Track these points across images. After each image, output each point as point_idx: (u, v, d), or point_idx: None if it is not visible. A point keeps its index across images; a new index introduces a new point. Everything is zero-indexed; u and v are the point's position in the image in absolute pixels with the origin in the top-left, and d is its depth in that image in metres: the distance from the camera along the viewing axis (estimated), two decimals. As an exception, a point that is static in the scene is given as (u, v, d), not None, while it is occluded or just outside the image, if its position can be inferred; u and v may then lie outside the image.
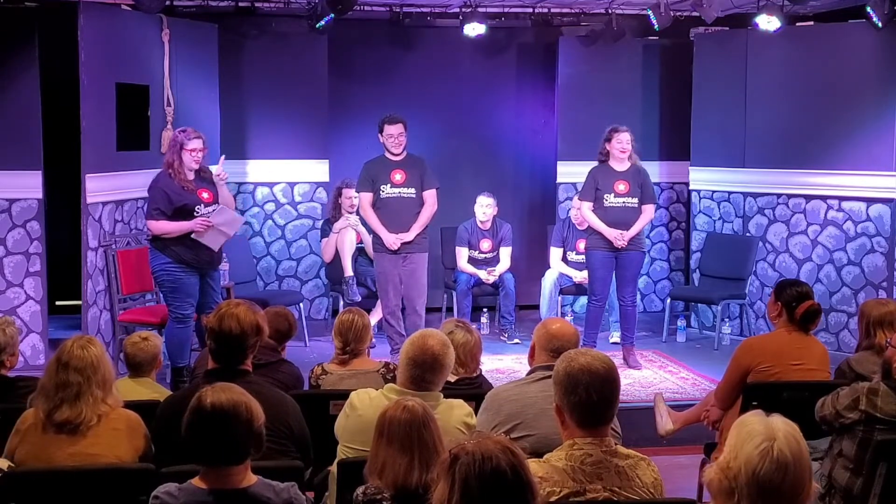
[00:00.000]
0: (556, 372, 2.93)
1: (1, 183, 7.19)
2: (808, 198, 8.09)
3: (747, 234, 8.47)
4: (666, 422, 4.94)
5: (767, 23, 7.80)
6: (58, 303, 8.24)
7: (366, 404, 3.52)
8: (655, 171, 9.30)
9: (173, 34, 7.68)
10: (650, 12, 8.16)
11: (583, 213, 7.31)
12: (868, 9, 7.37)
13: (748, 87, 8.37)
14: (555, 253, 8.36)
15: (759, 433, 2.21)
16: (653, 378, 7.09)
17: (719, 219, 8.73)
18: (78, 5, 6.72)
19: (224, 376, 3.40)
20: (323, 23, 8.14)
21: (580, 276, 8.10)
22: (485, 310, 8.60)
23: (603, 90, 8.98)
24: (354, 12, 7.90)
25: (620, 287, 7.39)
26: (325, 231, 8.30)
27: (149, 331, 5.04)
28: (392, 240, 7.04)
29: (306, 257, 8.98)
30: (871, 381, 3.87)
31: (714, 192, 8.76)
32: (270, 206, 8.89)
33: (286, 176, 8.91)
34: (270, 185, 8.88)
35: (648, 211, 7.28)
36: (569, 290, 8.34)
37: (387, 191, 7.11)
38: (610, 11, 8.82)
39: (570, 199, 8.78)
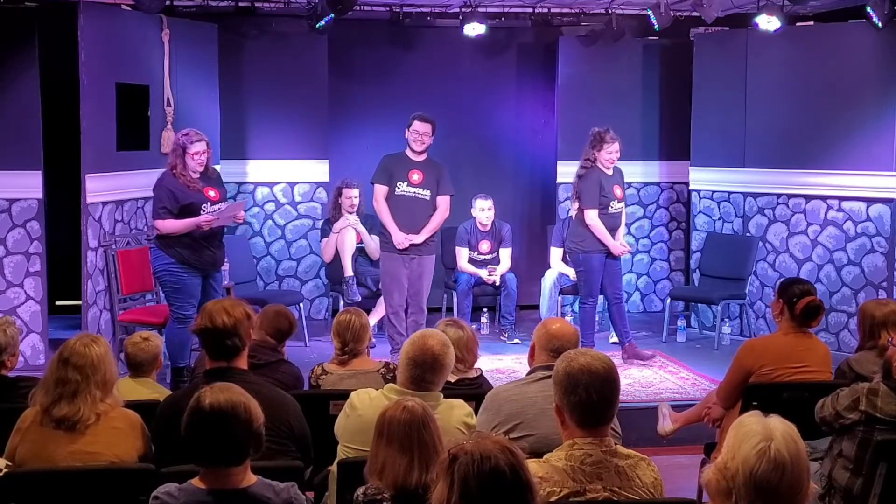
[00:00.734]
0: (555, 372, 2.93)
1: (1, 183, 7.19)
2: (808, 198, 8.09)
3: (747, 234, 8.47)
4: (666, 423, 4.95)
5: (767, 23, 7.80)
6: (58, 303, 8.24)
7: (366, 404, 3.52)
8: (655, 171, 9.32)
9: (173, 34, 7.68)
10: (650, 12, 8.16)
11: (592, 221, 7.23)
12: (868, 9, 7.37)
13: (748, 87, 8.36)
14: (555, 253, 8.36)
15: (756, 433, 2.21)
16: (653, 378, 7.09)
17: (719, 219, 8.73)
18: (78, 5, 6.72)
19: (224, 376, 3.40)
20: (323, 23, 8.14)
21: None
22: (485, 310, 8.60)
23: (603, 90, 8.98)
24: (354, 12, 7.90)
25: (611, 283, 7.41)
26: (325, 231, 8.30)
27: (149, 331, 5.05)
28: (401, 239, 6.98)
29: (306, 257, 8.98)
30: (871, 381, 3.87)
31: (714, 192, 8.76)
32: (270, 206, 8.89)
33: (286, 176, 8.91)
34: (270, 185, 8.88)
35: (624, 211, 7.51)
36: (569, 290, 8.34)
37: (402, 188, 7.06)
38: (610, 11, 8.82)
39: (571, 199, 8.77)
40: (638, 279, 9.41)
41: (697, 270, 8.74)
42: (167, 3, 7.54)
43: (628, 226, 8.88)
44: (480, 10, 8.43)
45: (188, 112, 7.73)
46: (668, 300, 8.59)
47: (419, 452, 2.84)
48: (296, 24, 8.72)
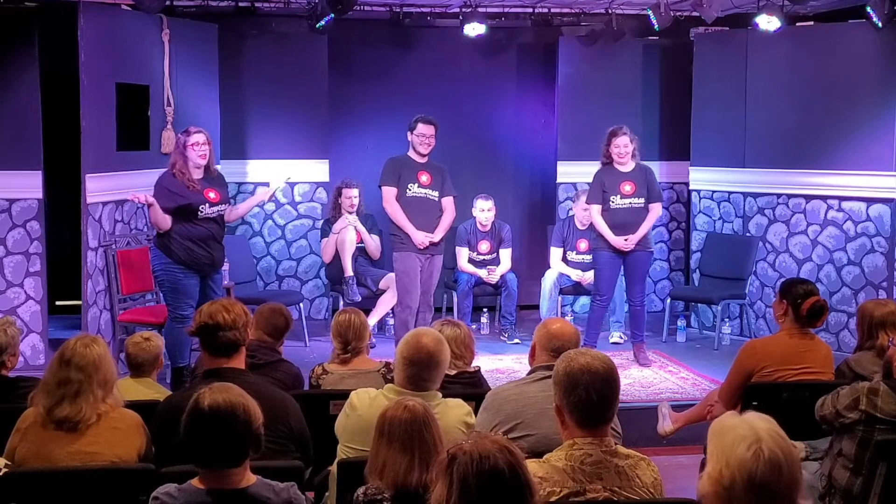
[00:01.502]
0: (555, 372, 2.93)
1: (1, 183, 7.19)
2: (808, 198, 8.09)
3: (747, 234, 8.47)
4: (666, 423, 4.94)
5: (767, 23, 7.80)
6: (58, 303, 8.24)
7: (365, 404, 3.52)
8: (655, 170, 9.24)
9: (173, 34, 7.68)
10: (650, 12, 8.15)
11: (591, 216, 7.29)
12: (868, 9, 7.37)
13: (748, 86, 8.37)
14: (555, 253, 8.36)
15: (743, 436, 2.20)
16: (653, 378, 7.09)
17: (719, 219, 8.73)
18: (78, 5, 6.72)
19: (223, 376, 3.40)
20: (323, 23, 8.14)
21: (580, 276, 8.11)
22: (485, 310, 8.60)
23: (603, 90, 8.98)
24: (354, 12, 7.90)
25: (629, 287, 7.42)
26: (325, 231, 8.29)
27: (150, 331, 5.05)
28: (422, 238, 7.02)
29: (306, 257, 8.98)
30: (871, 381, 3.87)
31: (714, 192, 8.76)
32: (270, 206, 8.87)
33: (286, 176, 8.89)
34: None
35: (655, 209, 7.30)
36: (569, 290, 8.34)
37: (414, 190, 7.09)
38: (610, 11, 8.82)
39: (571, 199, 8.78)
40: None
41: (697, 270, 8.74)
42: (167, 3, 7.54)
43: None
44: (480, 10, 8.42)
45: (188, 112, 7.73)
46: (668, 300, 8.59)
47: (420, 452, 2.84)
48: (296, 24, 8.72)
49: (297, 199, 8.95)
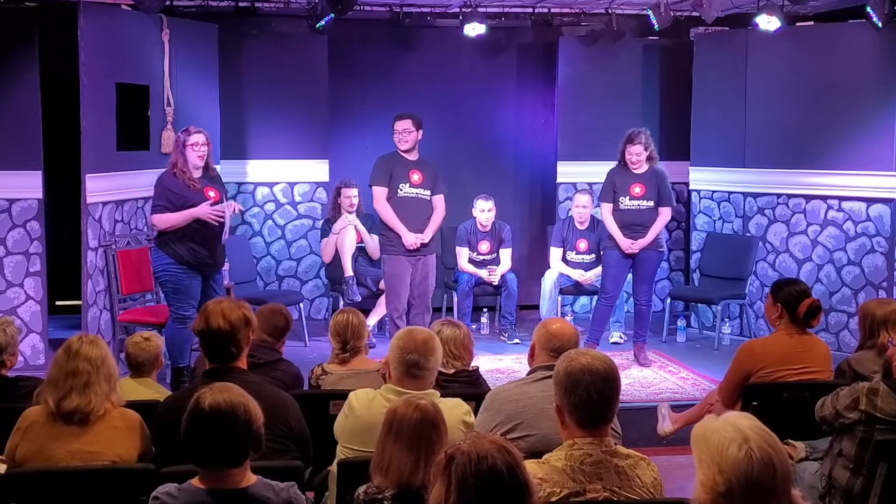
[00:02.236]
0: (556, 372, 2.93)
1: (1, 183, 7.19)
2: (808, 198, 8.09)
3: (747, 234, 8.47)
4: (666, 423, 4.94)
5: (767, 23, 7.80)
6: (58, 303, 8.24)
7: (364, 405, 3.52)
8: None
9: (173, 34, 7.68)
10: (650, 12, 8.15)
11: (602, 215, 7.34)
12: (868, 9, 7.37)
13: (748, 86, 8.36)
14: (555, 253, 8.36)
15: (731, 438, 2.19)
16: (653, 378, 7.09)
17: (719, 219, 8.73)
18: (78, 5, 6.72)
19: (223, 376, 3.40)
20: (323, 23, 8.14)
21: (581, 277, 8.11)
22: (485, 310, 8.60)
23: (603, 90, 8.98)
24: (354, 12, 7.90)
25: (636, 285, 7.43)
26: (325, 231, 8.29)
27: (150, 331, 5.05)
28: (412, 239, 6.97)
29: (306, 257, 8.98)
30: (871, 381, 3.87)
31: (714, 192, 8.76)
32: (270, 206, 8.88)
33: (286, 176, 8.91)
34: (270, 185, 8.88)
35: (664, 213, 7.32)
36: (569, 290, 8.33)
37: (405, 190, 7.03)
38: (610, 11, 8.81)
39: (571, 199, 8.77)
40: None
41: (697, 270, 8.74)
42: (167, 3, 7.54)
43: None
44: (480, 10, 8.42)
45: (188, 112, 7.73)
46: (668, 300, 8.59)
47: (426, 452, 2.83)
48: (296, 24, 8.72)
49: (297, 199, 8.95)
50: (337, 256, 8.06)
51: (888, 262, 7.62)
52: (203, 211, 6.22)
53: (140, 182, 7.25)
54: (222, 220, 6.30)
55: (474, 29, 8.32)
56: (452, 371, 4.28)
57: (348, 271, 7.92)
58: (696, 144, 8.78)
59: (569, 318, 7.62)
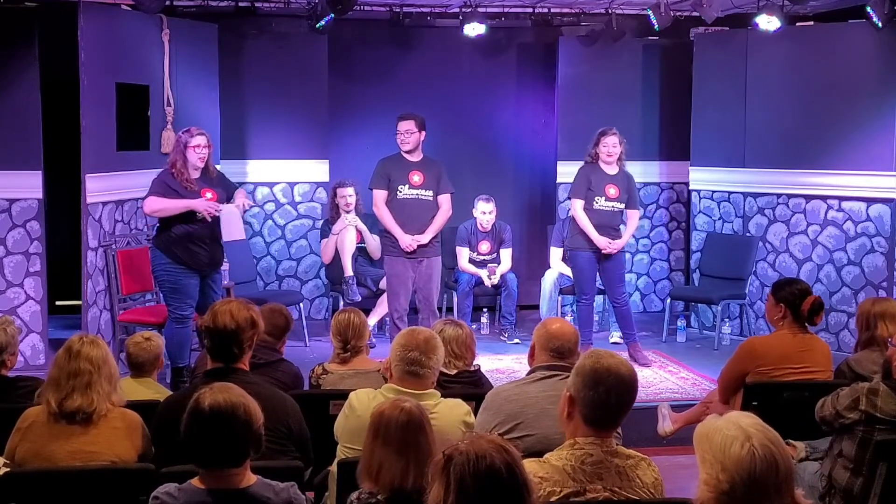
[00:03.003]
0: (580, 365, 2.92)
1: (1, 183, 7.19)
2: (808, 198, 8.09)
3: (747, 234, 8.47)
4: (667, 423, 4.94)
5: (767, 23, 7.80)
6: (58, 303, 8.24)
7: (364, 405, 3.52)
8: (655, 171, 9.31)
9: (173, 34, 7.68)
10: (650, 12, 8.15)
11: (575, 212, 7.30)
12: (868, 9, 7.37)
13: (748, 86, 8.36)
14: (555, 253, 8.36)
15: (734, 437, 2.19)
16: (653, 378, 7.09)
17: (719, 219, 8.73)
18: (78, 5, 6.72)
19: (223, 376, 3.40)
20: (323, 23, 8.14)
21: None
22: (485, 310, 8.60)
23: (603, 90, 8.98)
24: (354, 12, 7.90)
25: (610, 289, 7.45)
26: (325, 232, 8.29)
27: (150, 331, 5.05)
28: (408, 241, 6.94)
29: (306, 257, 8.98)
30: (871, 381, 3.87)
31: (714, 192, 8.76)
32: (270, 206, 8.88)
33: (286, 176, 8.91)
34: (270, 185, 8.88)
35: (635, 217, 7.41)
36: (569, 289, 8.32)
37: (405, 192, 7.01)
38: (610, 11, 8.82)
39: (570, 199, 8.77)
40: (638, 279, 9.40)
41: (697, 270, 8.74)
42: (167, 3, 7.54)
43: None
44: (480, 10, 8.42)
45: (188, 112, 7.73)
46: (668, 300, 8.59)
47: (415, 455, 2.83)
48: (296, 24, 8.72)
49: (297, 199, 8.95)
50: (337, 256, 8.06)
51: (888, 262, 7.62)
52: (200, 203, 6.20)
53: (140, 182, 7.24)
54: (216, 215, 6.27)
55: (474, 29, 8.32)
56: (454, 372, 4.28)
57: (348, 271, 7.91)
58: (696, 144, 8.78)
59: (569, 318, 7.63)
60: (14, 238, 7.25)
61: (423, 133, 7.03)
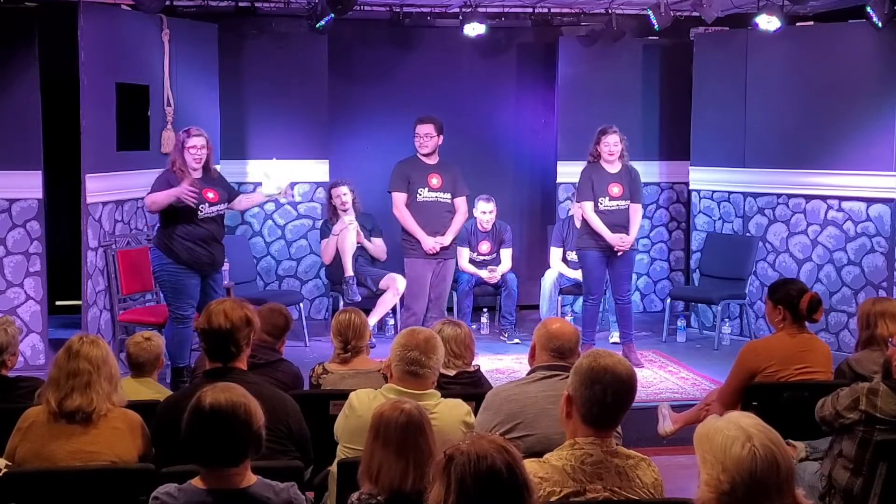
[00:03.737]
0: (578, 364, 2.93)
1: (1, 183, 7.18)
2: (808, 198, 8.09)
3: (747, 234, 8.48)
4: (667, 423, 4.94)
5: (767, 23, 7.81)
6: (58, 303, 8.24)
7: (365, 405, 3.52)
8: (655, 170, 9.31)
9: (173, 34, 7.68)
10: (650, 12, 8.15)
11: (586, 214, 7.28)
12: (868, 9, 7.37)
13: (748, 86, 8.37)
14: (555, 253, 8.37)
15: (734, 437, 2.19)
16: (653, 378, 7.09)
17: (719, 219, 8.73)
18: (78, 5, 6.72)
19: (222, 376, 3.40)
20: (323, 23, 8.14)
21: (580, 276, 8.11)
22: (485, 310, 8.60)
23: (603, 90, 8.98)
24: (354, 12, 7.90)
25: (616, 285, 7.43)
26: (325, 232, 8.29)
27: (150, 331, 5.05)
28: (432, 244, 7.02)
29: (306, 257, 8.98)
30: (872, 381, 3.87)
31: (714, 191, 8.76)
32: (270, 206, 8.88)
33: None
34: (270, 185, 8.87)
35: (637, 211, 7.35)
36: (569, 289, 8.34)
37: (424, 194, 7.09)
38: (610, 11, 8.82)
39: (571, 199, 8.78)
40: (638, 279, 9.40)
41: (697, 270, 8.74)
42: (167, 3, 7.54)
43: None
44: (480, 10, 8.42)
45: (188, 112, 7.73)
46: (668, 300, 8.59)
47: (415, 457, 2.83)
48: (296, 24, 8.72)
49: (297, 199, 8.94)
50: (337, 256, 8.06)
51: (888, 262, 7.62)
52: (182, 189, 6.12)
53: (140, 182, 7.24)
54: (195, 200, 6.23)
55: (474, 29, 8.32)
56: (454, 373, 4.27)
57: (348, 271, 7.91)
58: (696, 144, 8.78)
59: (569, 318, 7.63)
60: (14, 238, 7.25)
61: (441, 137, 7.10)
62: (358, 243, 8.14)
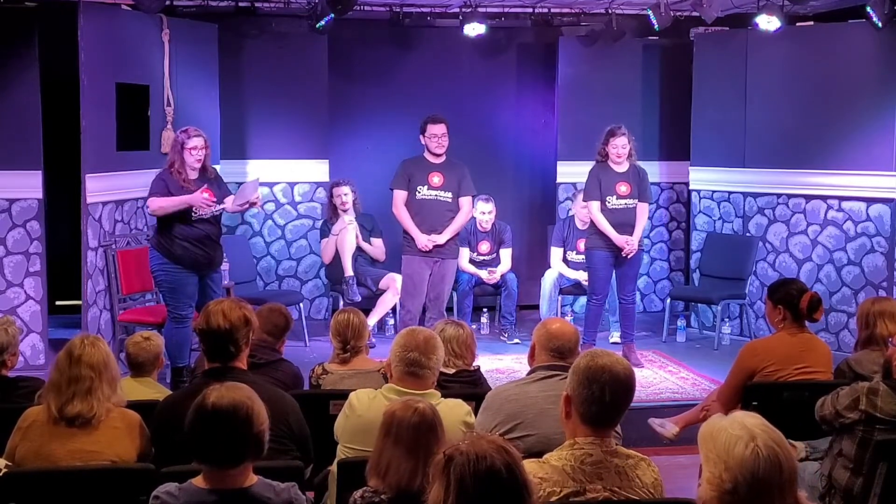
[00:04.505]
0: (576, 364, 2.93)
1: (1, 183, 7.18)
2: (808, 198, 8.09)
3: (747, 234, 8.48)
4: (667, 428, 4.92)
5: (767, 23, 7.81)
6: (58, 303, 8.23)
7: (365, 405, 3.52)
8: (655, 170, 9.30)
9: (173, 34, 7.68)
10: (650, 12, 8.15)
11: (592, 214, 7.25)
12: (868, 9, 7.37)
13: (748, 87, 8.37)
14: (555, 253, 8.36)
15: (738, 436, 2.20)
16: (653, 378, 7.09)
17: (719, 219, 8.73)
18: (78, 5, 6.72)
19: (222, 375, 3.40)
20: (323, 23, 8.14)
21: (581, 277, 8.11)
22: (485, 310, 8.60)
23: (603, 90, 8.98)
24: (354, 12, 7.90)
25: (621, 285, 7.42)
26: (325, 232, 8.29)
27: (150, 331, 5.05)
28: (425, 241, 7.02)
29: (306, 257, 8.98)
30: (871, 380, 3.87)
31: (714, 191, 8.76)
32: (270, 206, 8.88)
33: (286, 176, 8.91)
34: (270, 185, 8.87)
35: (644, 210, 7.31)
36: (569, 290, 8.34)
37: (423, 192, 7.10)
38: (610, 11, 8.81)
39: (571, 199, 8.78)
40: (638, 279, 9.39)
41: (697, 270, 8.74)
42: (167, 3, 7.54)
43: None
44: (480, 10, 8.42)
45: (188, 112, 7.73)
46: (668, 300, 8.59)
47: (425, 455, 2.83)
48: (296, 24, 8.72)
49: (297, 199, 8.95)
50: (337, 256, 8.06)
51: (888, 262, 7.62)
52: (197, 198, 6.19)
53: (140, 182, 7.24)
54: (212, 208, 6.26)
55: (474, 29, 8.32)
56: (454, 371, 4.29)
57: (348, 271, 7.92)
58: (696, 144, 8.78)
59: (569, 318, 7.62)
60: (14, 238, 7.25)
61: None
62: (357, 244, 8.14)
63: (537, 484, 2.70)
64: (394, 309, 8.14)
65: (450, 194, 7.13)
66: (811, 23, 8.36)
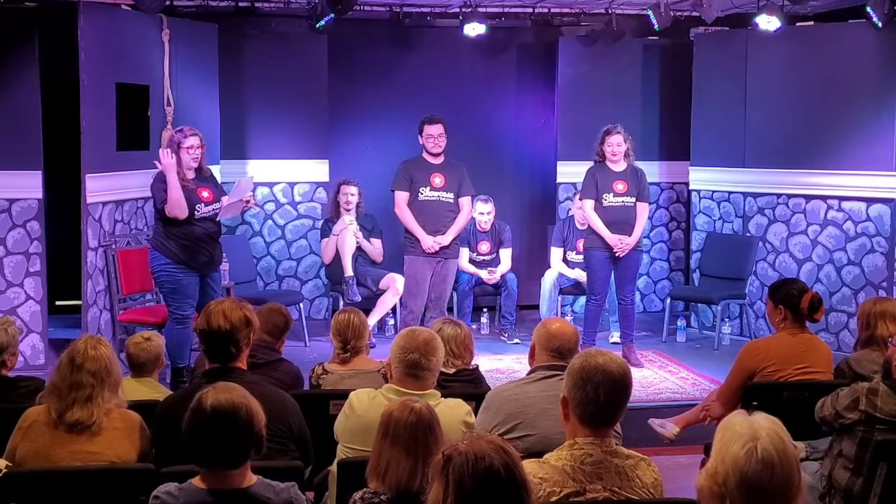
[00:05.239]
0: (570, 365, 2.93)
1: (1, 183, 7.18)
2: (808, 198, 8.09)
3: (747, 234, 8.48)
4: (668, 428, 4.92)
5: (767, 23, 7.81)
6: (58, 303, 8.23)
7: (365, 405, 3.52)
8: (655, 170, 9.30)
9: (173, 34, 7.68)
10: (650, 12, 8.16)
11: (585, 212, 7.28)
12: (868, 9, 7.37)
13: (748, 87, 8.37)
14: (555, 253, 8.37)
15: (742, 434, 2.21)
16: (653, 378, 7.09)
17: (719, 219, 8.74)
18: (78, 5, 6.72)
19: (221, 376, 3.40)
20: (323, 23, 8.14)
21: (580, 276, 8.11)
22: (485, 310, 8.60)
23: (603, 90, 8.98)
24: (354, 12, 7.90)
25: (620, 286, 7.42)
26: (325, 231, 8.29)
27: (150, 331, 5.05)
28: (430, 243, 7.05)
29: (306, 257, 8.98)
30: (871, 381, 3.87)
31: (714, 192, 8.76)
32: (270, 206, 8.89)
33: (286, 176, 8.91)
34: (270, 185, 8.88)
35: (644, 210, 7.30)
36: (569, 290, 8.34)
37: (426, 193, 7.12)
38: (610, 11, 8.82)
39: (571, 199, 8.78)
40: (638, 279, 9.39)
41: (697, 270, 8.74)
42: (167, 3, 7.54)
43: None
44: (480, 10, 8.43)
45: (188, 112, 7.74)
46: (668, 300, 8.59)
47: (423, 455, 2.83)
48: (296, 24, 8.72)
49: (297, 199, 8.95)
50: (337, 256, 8.06)
51: (888, 262, 7.62)
52: (164, 164, 6.16)
53: (140, 182, 7.25)
54: (212, 206, 6.25)
55: (474, 29, 8.32)
56: (453, 370, 4.29)
57: (348, 271, 7.91)
58: (696, 144, 8.78)
59: (569, 318, 7.62)
60: (14, 238, 7.25)
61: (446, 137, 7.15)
62: (357, 244, 8.14)
63: (537, 484, 2.70)
64: (394, 309, 8.14)
65: (451, 195, 7.16)
66: (811, 23, 8.37)
